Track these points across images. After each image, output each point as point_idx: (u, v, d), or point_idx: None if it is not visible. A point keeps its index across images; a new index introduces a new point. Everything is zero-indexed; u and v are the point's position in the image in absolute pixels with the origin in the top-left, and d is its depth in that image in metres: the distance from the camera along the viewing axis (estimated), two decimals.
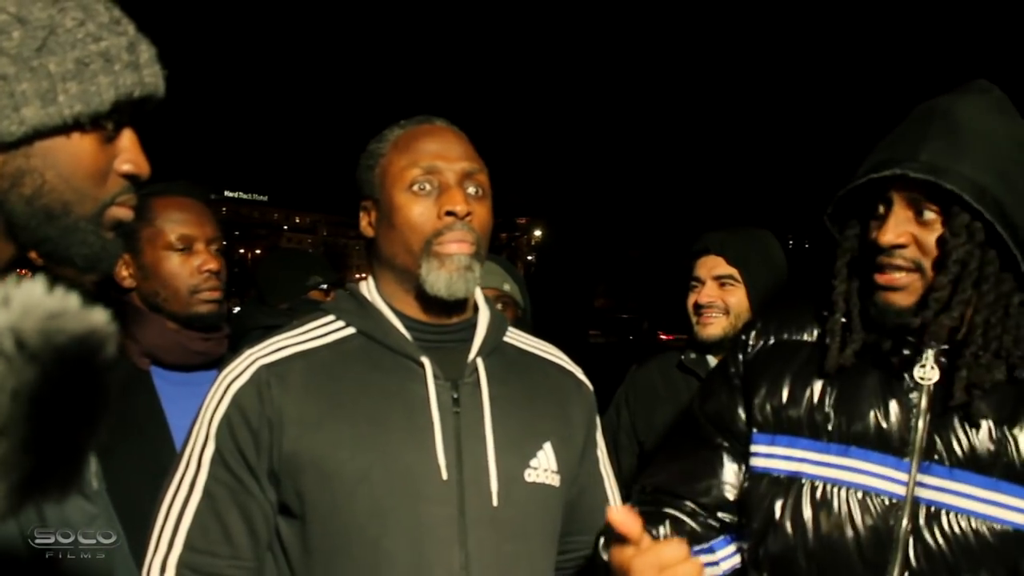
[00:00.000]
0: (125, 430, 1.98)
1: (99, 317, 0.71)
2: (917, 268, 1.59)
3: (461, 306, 1.75)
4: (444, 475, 1.62)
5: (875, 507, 1.61)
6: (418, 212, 1.68)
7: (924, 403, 1.64)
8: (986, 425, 1.59)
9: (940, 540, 1.56)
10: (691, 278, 2.89)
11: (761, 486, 1.73)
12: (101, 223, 1.14)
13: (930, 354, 1.65)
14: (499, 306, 3.09)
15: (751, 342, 1.85)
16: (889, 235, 1.59)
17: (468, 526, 1.62)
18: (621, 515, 1.41)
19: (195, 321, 2.28)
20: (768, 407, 1.75)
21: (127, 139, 1.16)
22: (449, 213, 1.66)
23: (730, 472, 1.82)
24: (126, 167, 1.16)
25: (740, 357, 1.85)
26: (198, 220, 2.31)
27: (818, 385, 1.72)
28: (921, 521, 1.58)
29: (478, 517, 1.63)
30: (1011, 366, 1.59)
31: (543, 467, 1.73)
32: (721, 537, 1.81)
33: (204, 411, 1.67)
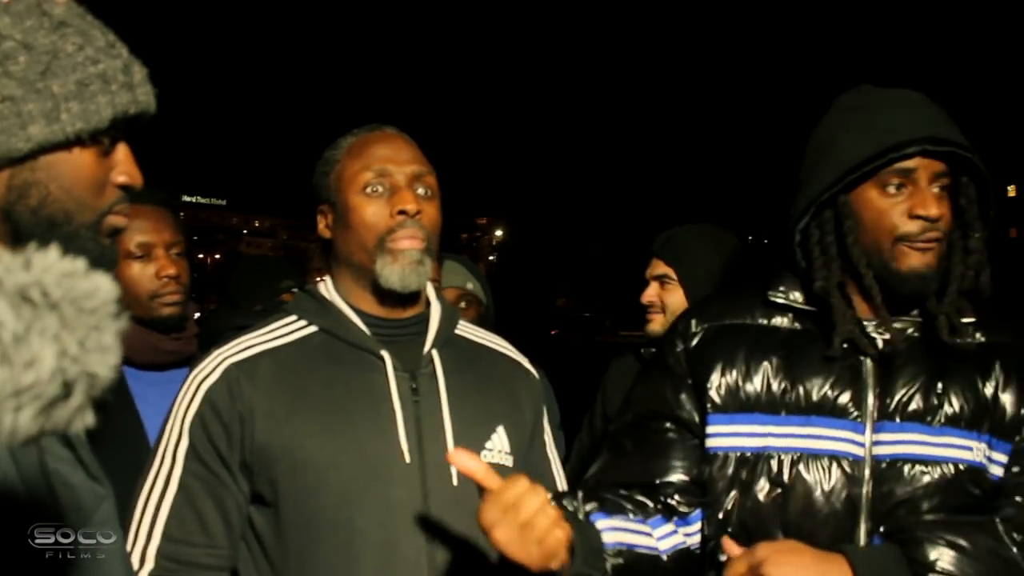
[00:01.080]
0: (101, 430, 2.05)
1: (103, 277, 0.83)
2: (943, 239, 1.73)
3: (414, 299, 1.86)
4: (407, 459, 1.74)
5: (841, 470, 1.73)
6: (371, 212, 1.79)
7: (872, 369, 1.78)
8: (925, 383, 1.76)
9: (899, 488, 1.70)
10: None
11: (728, 465, 1.80)
12: (99, 230, 1.25)
13: (871, 325, 1.80)
14: (462, 304, 3.19)
15: (692, 330, 1.91)
16: (934, 208, 1.69)
17: (431, 506, 1.74)
18: (461, 456, 1.53)
19: (157, 324, 2.36)
20: (724, 388, 1.83)
21: (122, 152, 1.27)
22: (401, 212, 1.78)
23: (680, 456, 1.88)
24: (122, 179, 1.26)
25: (679, 346, 1.92)
26: (155, 227, 2.38)
27: (769, 363, 1.82)
28: (880, 475, 1.71)
29: (440, 497, 1.75)
30: (980, 298, 1.78)
31: (497, 449, 1.85)
32: (694, 512, 1.87)
33: (176, 409, 1.77)
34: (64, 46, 1.16)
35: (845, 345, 1.76)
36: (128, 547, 1.68)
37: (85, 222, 1.22)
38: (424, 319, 1.90)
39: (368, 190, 1.80)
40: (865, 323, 1.80)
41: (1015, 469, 1.74)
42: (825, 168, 1.76)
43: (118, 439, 2.12)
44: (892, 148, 1.69)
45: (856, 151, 1.72)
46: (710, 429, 1.83)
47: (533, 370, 2.07)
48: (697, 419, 1.87)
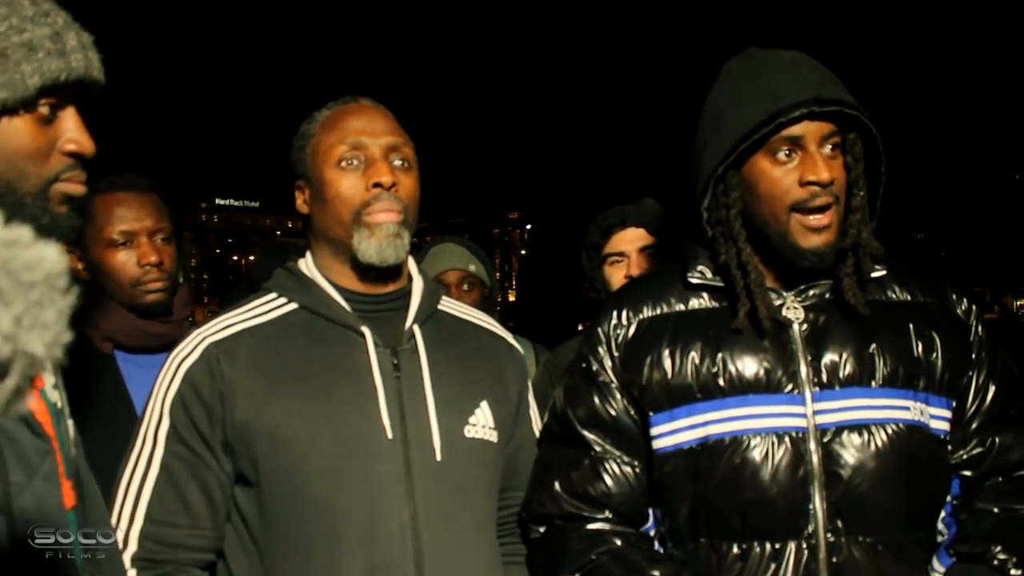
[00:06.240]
0: (92, 412, 2.06)
1: (50, 247, 0.78)
2: (837, 200, 1.71)
3: (394, 273, 1.84)
4: (389, 435, 1.72)
5: (785, 445, 1.70)
6: (347, 186, 1.77)
7: (799, 339, 1.76)
8: (856, 345, 1.75)
9: (849, 455, 1.69)
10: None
11: (675, 463, 1.77)
12: (48, 198, 1.25)
13: (790, 295, 1.79)
14: (465, 287, 3.17)
15: (613, 332, 1.86)
16: (825, 172, 1.67)
17: (415, 481, 1.72)
18: None
19: (141, 311, 2.37)
20: (655, 386, 1.79)
21: (69, 120, 1.27)
22: (376, 185, 1.76)
23: (611, 477, 1.83)
24: (69, 147, 1.27)
25: (602, 351, 1.87)
26: (136, 214, 2.38)
27: (695, 350, 1.78)
28: (828, 445, 1.70)
29: (423, 472, 1.73)
30: (875, 259, 1.78)
31: (481, 423, 1.83)
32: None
33: (157, 390, 1.76)
34: None
35: (766, 320, 1.73)
36: None
37: (30, 191, 1.23)
38: (406, 294, 1.87)
39: (343, 164, 1.78)
40: (779, 293, 1.79)
41: (971, 435, 1.79)
42: (717, 141, 1.74)
43: (108, 421, 2.13)
44: (778, 113, 1.67)
45: (743, 121, 1.70)
46: (653, 431, 1.80)
47: (517, 345, 2.05)
48: (636, 425, 1.83)
